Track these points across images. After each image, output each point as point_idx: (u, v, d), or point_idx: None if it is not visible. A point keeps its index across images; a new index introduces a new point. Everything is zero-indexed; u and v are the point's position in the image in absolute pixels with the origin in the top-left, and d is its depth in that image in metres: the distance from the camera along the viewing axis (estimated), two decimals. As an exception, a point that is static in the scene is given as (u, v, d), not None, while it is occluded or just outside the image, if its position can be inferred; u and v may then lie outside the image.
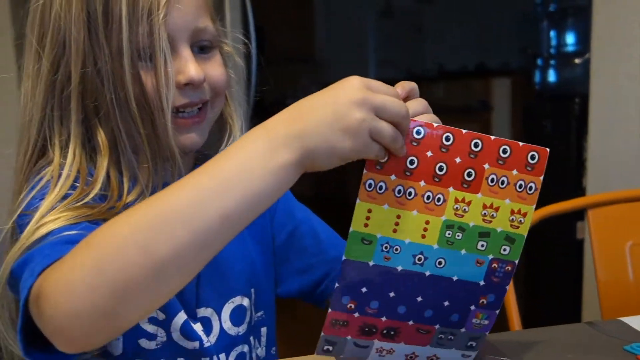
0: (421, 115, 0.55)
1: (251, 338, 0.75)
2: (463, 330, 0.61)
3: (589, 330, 0.76)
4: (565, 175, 2.15)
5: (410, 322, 0.60)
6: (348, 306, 0.59)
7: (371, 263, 0.57)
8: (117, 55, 0.61)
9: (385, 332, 0.61)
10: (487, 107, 3.77)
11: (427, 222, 0.55)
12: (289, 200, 0.83)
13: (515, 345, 0.71)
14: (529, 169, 0.55)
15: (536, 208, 1.07)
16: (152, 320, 0.67)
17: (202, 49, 0.68)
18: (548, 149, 0.55)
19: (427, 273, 0.57)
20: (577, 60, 2.29)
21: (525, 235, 0.57)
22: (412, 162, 0.54)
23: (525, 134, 2.57)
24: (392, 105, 0.50)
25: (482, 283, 0.58)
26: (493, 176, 0.55)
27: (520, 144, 0.54)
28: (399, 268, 0.57)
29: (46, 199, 0.61)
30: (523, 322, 0.98)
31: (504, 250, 0.57)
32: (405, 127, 0.52)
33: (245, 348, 0.74)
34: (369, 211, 0.55)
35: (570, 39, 2.34)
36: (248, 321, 0.75)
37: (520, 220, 0.56)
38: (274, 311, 0.81)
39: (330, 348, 0.62)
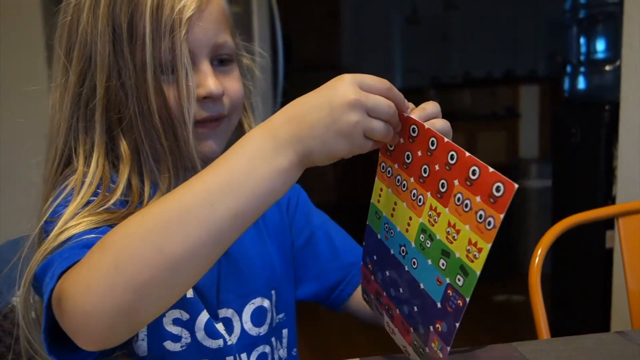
0: (433, 120, 0.57)
1: (273, 339, 0.77)
2: (427, 349, 0.55)
3: (619, 339, 0.75)
4: (594, 183, 2.12)
5: (398, 311, 0.60)
6: (369, 266, 0.64)
7: (379, 236, 0.61)
8: (140, 70, 0.64)
9: (387, 308, 0.62)
10: (515, 114, 3.74)
11: (410, 219, 0.56)
12: (307, 206, 0.85)
13: (544, 353, 0.71)
14: (492, 200, 0.47)
15: (564, 216, 1.06)
16: (177, 322, 0.68)
17: (221, 62, 0.70)
18: (516, 185, 0.46)
19: (406, 268, 0.57)
20: (607, 67, 2.26)
21: (479, 274, 0.47)
22: (408, 157, 0.56)
23: (553, 142, 2.54)
24: (383, 106, 0.52)
25: (439, 305, 0.52)
26: (460, 195, 0.49)
27: (490, 169, 0.47)
28: (391, 251, 0.59)
29: (69, 206, 0.63)
30: (551, 331, 0.97)
31: (459, 280, 0.49)
32: (395, 123, 0.54)
33: (267, 349, 0.75)
34: (381, 190, 0.60)
35: (600, 45, 2.31)
36: (269, 322, 0.76)
37: (475, 255, 0.48)
38: (294, 313, 0.82)
39: (366, 298, 0.69)
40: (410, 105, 0.57)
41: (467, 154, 0.49)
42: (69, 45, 0.68)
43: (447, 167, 0.51)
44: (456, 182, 0.50)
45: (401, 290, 0.58)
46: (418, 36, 5.93)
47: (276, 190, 0.51)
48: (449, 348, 0.52)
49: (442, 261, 0.51)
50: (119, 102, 0.66)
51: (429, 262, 0.53)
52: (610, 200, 2.04)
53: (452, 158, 0.50)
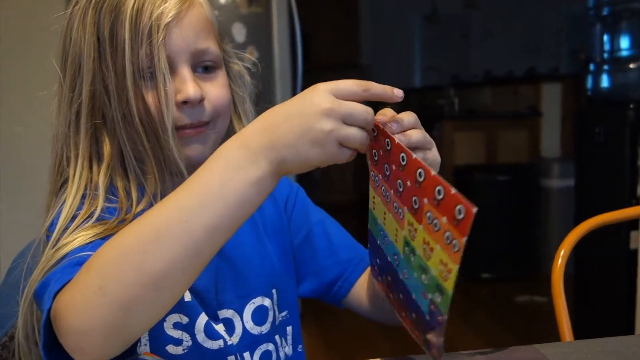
0: (410, 131, 0.57)
1: (277, 337, 0.78)
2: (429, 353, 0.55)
3: (644, 342, 0.73)
4: (618, 183, 2.08)
5: (404, 314, 0.59)
6: (375, 268, 0.65)
7: (378, 242, 0.62)
8: (121, 75, 0.65)
9: (397, 309, 0.62)
10: (537, 113, 3.69)
11: (397, 230, 0.55)
12: (305, 204, 0.86)
13: (566, 356, 0.70)
14: (455, 222, 0.45)
15: (587, 216, 1.05)
16: (177, 325, 0.70)
17: (205, 68, 0.71)
18: (475, 209, 0.43)
19: (400, 277, 0.57)
20: (631, 65, 2.22)
21: (451, 293, 0.46)
22: (386, 169, 0.55)
23: (576, 141, 2.51)
24: (359, 112, 0.52)
25: (427, 317, 0.52)
26: (429, 214, 0.48)
27: (453, 191, 0.45)
28: (388, 258, 0.59)
29: (60, 218, 0.66)
30: (574, 333, 0.96)
31: (437, 297, 0.49)
32: (369, 130, 0.54)
33: (270, 346, 0.76)
34: (374, 197, 0.59)
35: (624, 43, 2.27)
36: (271, 321, 0.77)
37: (446, 275, 0.47)
38: (298, 310, 0.83)
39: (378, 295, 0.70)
40: (389, 113, 0.57)
41: (433, 172, 0.48)
42: (64, 53, 0.70)
43: (417, 185, 0.50)
44: (425, 200, 0.49)
45: (401, 296, 0.58)
46: (438, 35, 5.90)
47: (252, 200, 0.52)
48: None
49: (423, 276, 0.51)
50: (102, 106, 0.68)
51: (415, 275, 0.53)
52: (634, 200, 2.00)
53: (420, 175, 0.50)
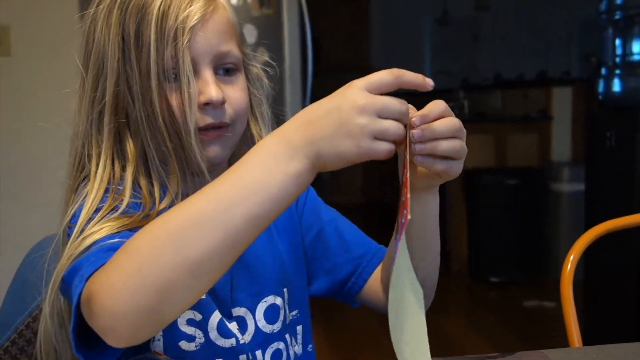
0: (434, 123, 0.59)
1: (287, 336, 0.78)
2: None
3: (653, 349, 0.73)
4: (629, 188, 2.07)
5: None
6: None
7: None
8: (145, 76, 0.67)
9: None
10: (547, 117, 3.67)
11: None
12: (315, 203, 0.87)
13: (575, 362, 0.69)
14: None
15: (597, 221, 1.04)
16: (190, 322, 0.70)
17: (227, 71, 0.72)
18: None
19: None
20: (644, 69, 2.21)
21: None
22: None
23: (587, 145, 2.49)
24: (393, 105, 0.54)
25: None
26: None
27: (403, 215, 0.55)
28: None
29: (83, 209, 0.66)
30: (583, 339, 0.95)
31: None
32: (406, 121, 0.56)
33: (281, 345, 0.77)
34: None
35: (636, 47, 2.26)
36: (282, 320, 0.78)
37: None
38: (308, 310, 0.84)
39: None
40: (411, 108, 0.59)
41: (404, 197, 0.54)
42: (87, 52, 0.71)
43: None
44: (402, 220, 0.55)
45: None
46: (448, 37, 5.89)
47: (290, 193, 0.53)
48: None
49: None
50: (126, 106, 0.69)
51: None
52: (646, 205, 1.99)
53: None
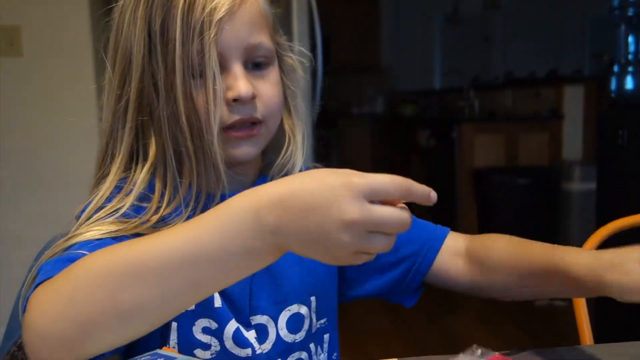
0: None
1: (311, 345, 0.75)
2: None
3: (666, 348, 0.72)
4: (642, 186, 2.05)
5: None
6: None
7: None
8: (171, 72, 0.64)
9: None
10: (558, 115, 3.65)
11: None
12: None
13: (587, 360, 0.69)
14: None
15: (609, 220, 1.03)
16: (206, 330, 0.69)
17: (257, 65, 0.69)
18: None
19: None
20: (656, 67, 2.19)
21: None
22: None
23: (598, 144, 2.47)
24: (392, 220, 0.48)
25: None
26: None
27: None
28: None
29: (88, 207, 0.66)
30: (595, 337, 0.95)
31: None
32: (406, 229, 0.49)
33: (304, 355, 0.74)
34: None
35: (649, 44, 2.24)
36: (307, 329, 0.75)
37: None
38: (336, 317, 0.81)
39: None
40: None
41: None
42: (115, 48, 0.69)
43: None
44: None
45: None
46: (459, 36, 5.86)
47: (243, 270, 0.50)
48: None
49: None
50: (150, 103, 0.66)
51: None
52: (658, 204, 1.97)
53: None
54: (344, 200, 0.46)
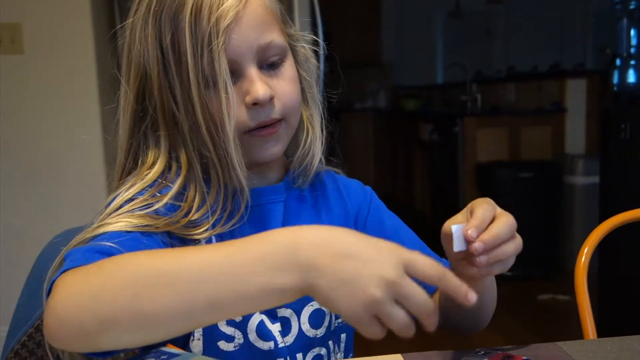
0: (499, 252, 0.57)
1: (330, 342, 0.77)
2: None
3: (669, 342, 0.72)
4: (645, 180, 2.05)
5: None
6: None
7: None
8: (186, 85, 0.65)
9: None
10: (561, 109, 3.64)
11: None
12: (379, 210, 0.84)
13: (590, 354, 0.69)
14: None
15: (612, 214, 1.03)
16: (230, 323, 0.69)
17: (272, 65, 0.69)
18: None
19: None
20: (659, 60, 2.18)
21: None
22: None
23: (601, 138, 2.47)
24: (416, 301, 0.48)
25: None
26: None
27: None
28: None
29: (117, 198, 0.66)
30: (598, 332, 0.95)
31: None
32: (426, 316, 0.49)
33: (323, 351, 0.76)
34: None
35: (652, 37, 2.23)
36: (327, 325, 0.76)
37: None
38: None
39: None
40: (473, 225, 0.56)
41: None
42: (128, 65, 0.70)
43: None
44: None
45: None
46: (461, 30, 5.85)
47: (265, 303, 0.51)
48: None
49: None
50: (172, 116, 0.68)
51: None
52: (661, 198, 1.97)
53: None
54: (387, 260, 0.48)
